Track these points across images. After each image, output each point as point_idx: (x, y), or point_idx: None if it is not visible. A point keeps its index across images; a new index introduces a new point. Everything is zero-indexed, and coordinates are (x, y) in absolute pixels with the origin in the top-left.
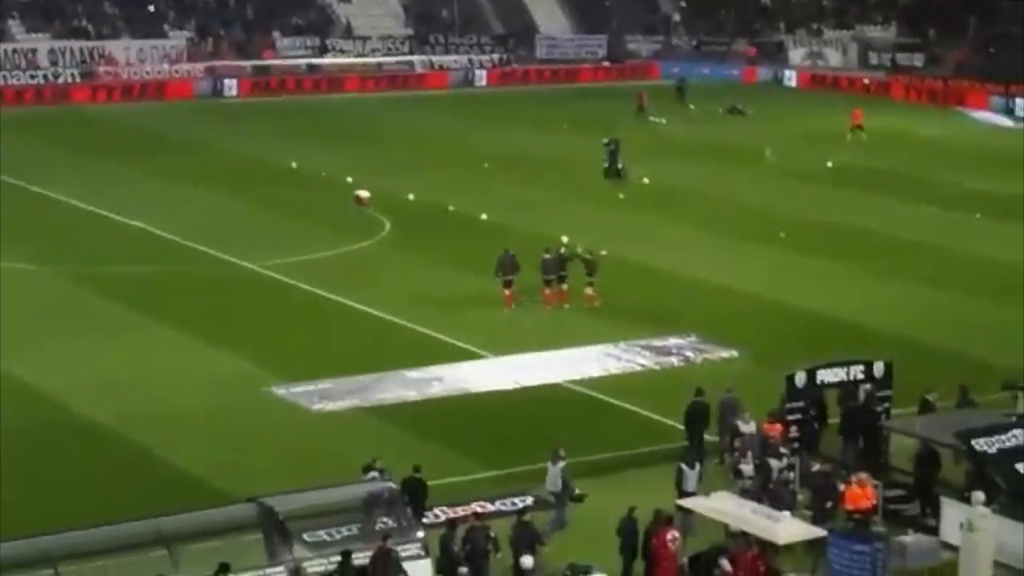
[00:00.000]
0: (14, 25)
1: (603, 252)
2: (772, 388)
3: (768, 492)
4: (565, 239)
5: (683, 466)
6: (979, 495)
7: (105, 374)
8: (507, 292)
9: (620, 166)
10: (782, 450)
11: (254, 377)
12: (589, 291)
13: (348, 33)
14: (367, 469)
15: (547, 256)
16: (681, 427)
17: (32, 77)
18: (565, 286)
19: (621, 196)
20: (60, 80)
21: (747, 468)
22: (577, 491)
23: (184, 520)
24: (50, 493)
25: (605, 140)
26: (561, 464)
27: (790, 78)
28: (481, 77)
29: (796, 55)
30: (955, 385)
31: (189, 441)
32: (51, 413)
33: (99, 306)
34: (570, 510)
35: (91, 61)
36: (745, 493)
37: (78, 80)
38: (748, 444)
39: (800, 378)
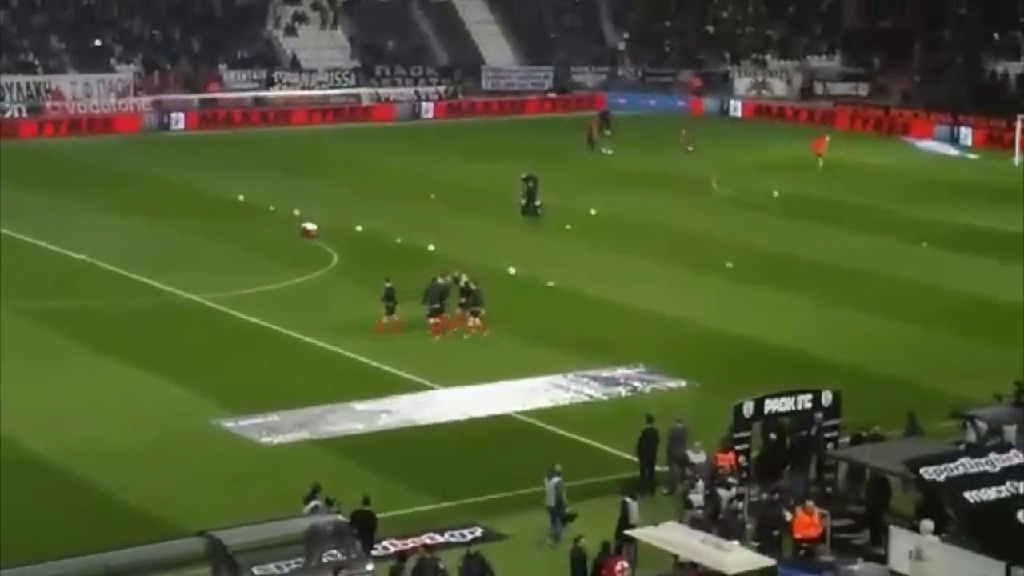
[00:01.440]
0: None
1: (475, 285)
2: (721, 417)
3: (718, 522)
4: (461, 275)
5: (626, 499)
6: (928, 524)
7: (50, 408)
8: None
9: (537, 203)
10: (731, 480)
11: (201, 410)
12: (476, 321)
13: (295, 66)
14: (309, 498)
15: (439, 283)
16: (631, 457)
17: None
18: (442, 317)
19: (568, 227)
20: (7, 115)
21: (697, 498)
22: (569, 509)
23: (132, 555)
24: None
25: (523, 175)
26: (556, 480)
27: (736, 108)
28: (428, 109)
29: (741, 85)
30: (903, 413)
31: (136, 475)
32: None
33: (43, 339)
34: (565, 528)
35: (38, 96)
36: (695, 523)
37: (25, 115)
38: (698, 473)
39: (748, 407)
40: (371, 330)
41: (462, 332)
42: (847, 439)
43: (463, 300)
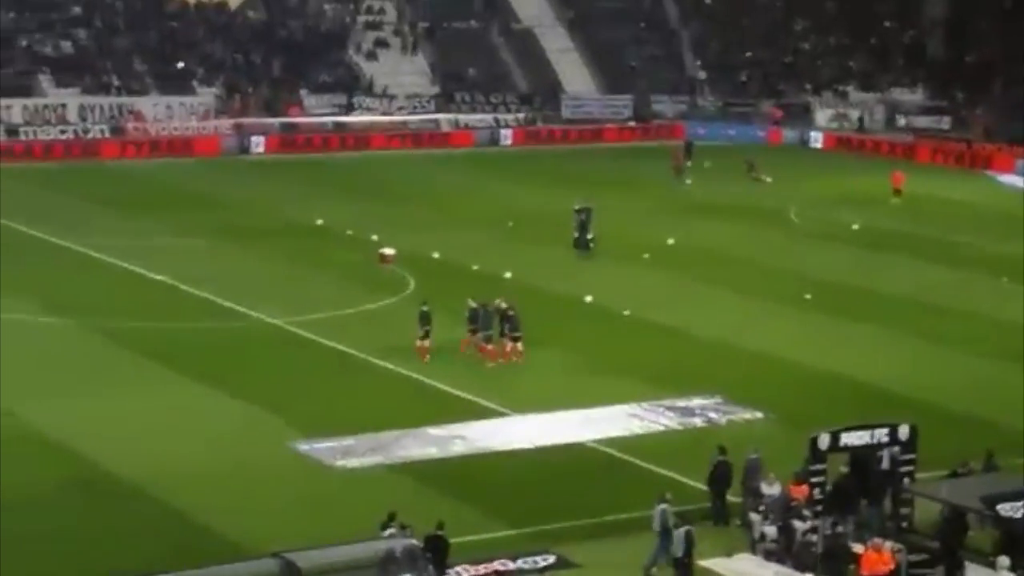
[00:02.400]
0: (44, 80)
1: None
2: (795, 450)
3: (791, 554)
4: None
5: (665, 507)
6: (1004, 560)
7: (128, 429)
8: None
9: (590, 236)
10: (806, 512)
11: (277, 433)
12: (516, 346)
13: (375, 91)
14: (385, 526)
15: (480, 308)
16: (704, 487)
17: (62, 132)
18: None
19: (646, 256)
20: (89, 135)
21: (770, 530)
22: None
23: (207, 574)
24: (73, 547)
25: (576, 207)
26: (663, 506)
27: (816, 140)
28: (507, 136)
29: (822, 117)
30: (979, 450)
31: (212, 496)
32: (74, 469)
33: (123, 360)
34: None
35: (120, 117)
36: (768, 555)
37: (107, 135)
38: (772, 506)
39: (824, 440)
40: (448, 354)
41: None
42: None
43: (504, 326)
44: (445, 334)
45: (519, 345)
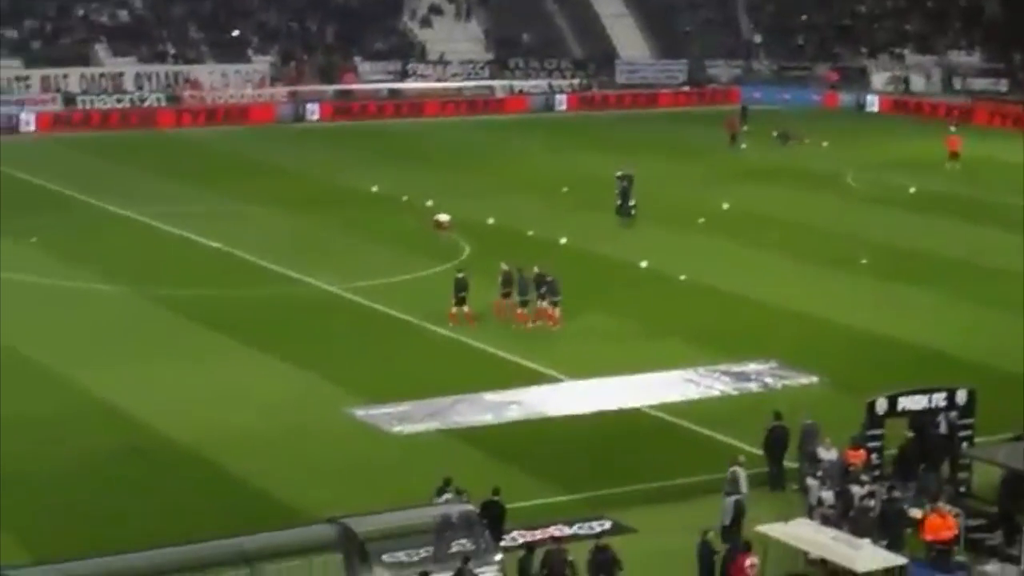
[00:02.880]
0: (101, 49)
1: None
2: (852, 414)
3: (848, 519)
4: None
5: (737, 469)
6: None
7: (185, 395)
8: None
9: (631, 203)
10: (863, 477)
11: (333, 398)
12: (555, 312)
13: (429, 58)
14: (440, 491)
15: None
16: (759, 452)
17: (118, 101)
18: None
19: (701, 221)
20: (145, 104)
21: (827, 495)
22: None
23: (265, 540)
24: (133, 512)
25: (618, 174)
26: (735, 468)
27: (872, 103)
28: (561, 102)
29: (879, 80)
30: None
31: (268, 461)
32: (132, 433)
33: (179, 326)
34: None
35: (176, 85)
36: (825, 520)
37: (163, 104)
38: (828, 471)
39: (881, 405)
40: (502, 322)
41: (543, 323)
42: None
43: (541, 290)
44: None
45: (558, 311)
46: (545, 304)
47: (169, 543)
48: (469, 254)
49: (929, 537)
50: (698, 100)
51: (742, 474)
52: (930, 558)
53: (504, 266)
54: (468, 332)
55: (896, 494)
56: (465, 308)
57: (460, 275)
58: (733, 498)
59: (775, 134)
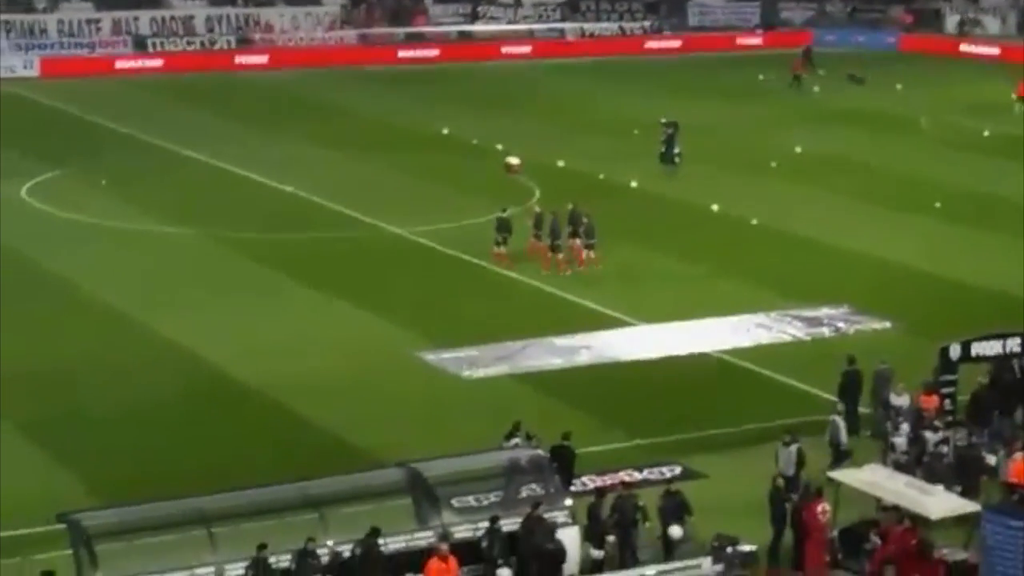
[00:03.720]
0: None
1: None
2: (926, 360)
3: (922, 465)
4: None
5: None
6: None
7: (256, 339)
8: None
9: (676, 151)
10: (937, 423)
11: (403, 342)
12: (590, 254)
13: (500, 0)
14: (510, 436)
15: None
16: (832, 398)
17: (189, 44)
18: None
19: (773, 164)
20: (216, 46)
21: (900, 441)
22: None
23: (334, 484)
24: (202, 455)
25: (663, 121)
26: (795, 447)
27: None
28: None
29: (952, 22)
30: None
31: (338, 405)
32: (203, 377)
33: (250, 270)
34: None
35: (246, 27)
36: (898, 466)
37: (233, 46)
38: (902, 416)
39: (954, 350)
40: (572, 266)
41: (574, 264)
42: None
43: (576, 229)
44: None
45: (592, 252)
46: (577, 242)
47: (238, 487)
48: (539, 197)
49: (1013, 480)
50: (771, 43)
51: (841, 424)
52: (1006, 502)
53: (536, 208)
54: (538, 276)
55: (974, 440)
56: (502, 249)
57: (502, 215)
58: (795, 446)
59: (847, 75)
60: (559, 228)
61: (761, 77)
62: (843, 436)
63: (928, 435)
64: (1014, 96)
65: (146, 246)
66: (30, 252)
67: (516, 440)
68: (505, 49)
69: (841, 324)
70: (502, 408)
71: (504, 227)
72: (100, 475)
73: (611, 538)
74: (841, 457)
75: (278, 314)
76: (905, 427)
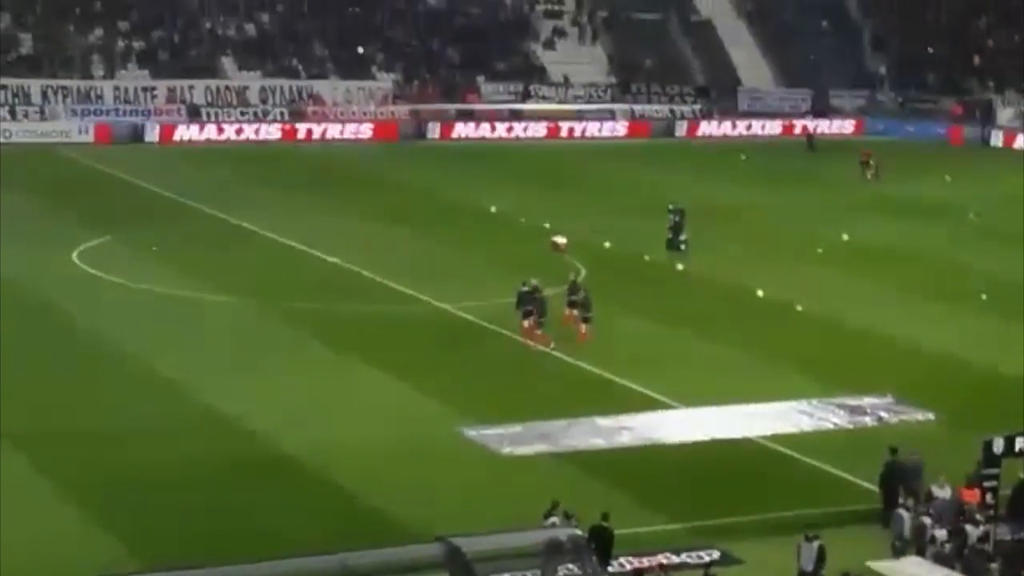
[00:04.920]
0: (227, 62)
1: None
2: (968, 453)
3: (963, 559)
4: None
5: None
6: None
7: (297, 407)
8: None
9: (683, 238)
10: (978, 517)
11: (445, 417)
12: (585, 328)
13: (552, 80)
14: (548, 514)
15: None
16: (873, 487)
17: (242, 114)
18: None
19: (820, 251)
20: (269, 117)
21: (941, 533)
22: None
23: (371, 556)
24: (243, 522)
25: (670, 207)
26: (817, 544)
27: (997, 138)
28: (682, 127)
29: (1004, 115)
30: None
31: (378, 477)
32: (245, 444)
33: (294, 340)
34: None
35: (300, 100)
36: (938, 559)
37: (286, 118)
38: (942, 509)
39: (998, 444)
40: (618, 344)
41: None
42: None
43: (572, 299)
44: (614, 325)
45: (585, 327)
46: (575, 312)
47: (275, 556)
48: (585, 277)
49: None
50: (821, 130)
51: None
52: None
53: (523, 286)
54: (583, 356)
55: (1022, 535)
56: (526, 322)
57: (524, 288)
58: (817, 543)
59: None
60: (544, 306)
61: (743, 157)
62: (907, 529)
63: (970, 528)
64: None
65: (193, 313)
66: (78, 315)
67: (554, 519)
68: (555, 128)
69: (884, 414)
70: (541, 486)
71: (525, 301)
72: (141, 538)
73: None
74: (902, 549)
75: (321, 385)
76: (945, 519)
